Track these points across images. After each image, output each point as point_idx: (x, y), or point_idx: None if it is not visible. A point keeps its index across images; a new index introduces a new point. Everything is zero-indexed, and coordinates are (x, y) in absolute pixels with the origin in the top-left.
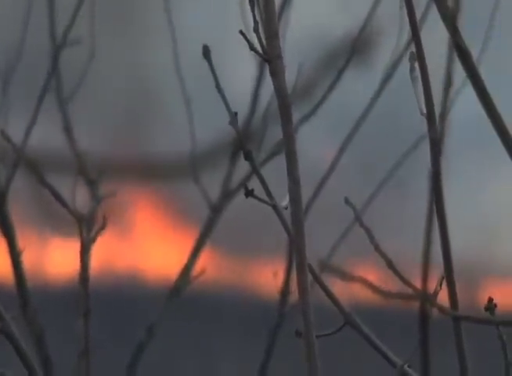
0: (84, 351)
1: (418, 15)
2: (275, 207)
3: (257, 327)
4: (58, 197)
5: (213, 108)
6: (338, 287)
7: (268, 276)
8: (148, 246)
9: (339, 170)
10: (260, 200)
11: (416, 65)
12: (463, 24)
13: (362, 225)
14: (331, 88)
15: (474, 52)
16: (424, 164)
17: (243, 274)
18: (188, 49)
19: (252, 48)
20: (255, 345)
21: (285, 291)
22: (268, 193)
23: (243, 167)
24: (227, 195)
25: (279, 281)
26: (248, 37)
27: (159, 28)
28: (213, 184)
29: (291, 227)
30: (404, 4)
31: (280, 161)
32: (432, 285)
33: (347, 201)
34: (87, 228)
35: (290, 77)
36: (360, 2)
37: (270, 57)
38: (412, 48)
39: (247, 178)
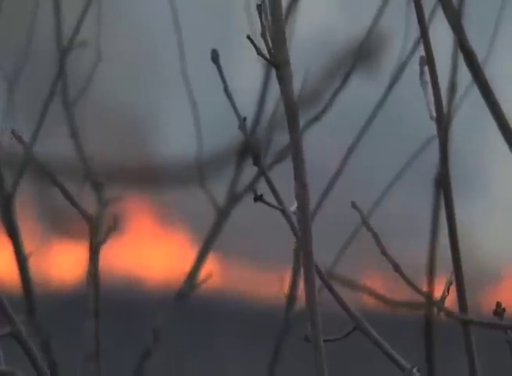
0: (93, 354)
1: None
2: (283, 211)
3: (262, 332)
4: (69, 196)
5: (219, 112)
6: (346, 292)
7: (274, 281)
8: (153, 250)
9: (345, 174)
10: (269, 204)
11: (426, 69)
12: (469, 26)
13: (368, 228)
14: (337, 92)
15: (480, 55)
16: (431, 168)
17: (249, 279)
18: (194, 53)
19: (259, 53)
20: (261, 350)
21: (291, 296)
22: (277, 198)
23: (249, 171)
24: (233, 200)
25: (285, 286)
26: (255, 43)
27: (165, 31)
28: (219, 188)
29: (299, 231)
30: (410, 8)
31: (288, 166)
32: (439, 290)
33: (353, 205)
34: (96, 230)
35: (295, 82)
36: (364, 6)
37: (278, 63)
38: (421, 52)
39: (254, 182)
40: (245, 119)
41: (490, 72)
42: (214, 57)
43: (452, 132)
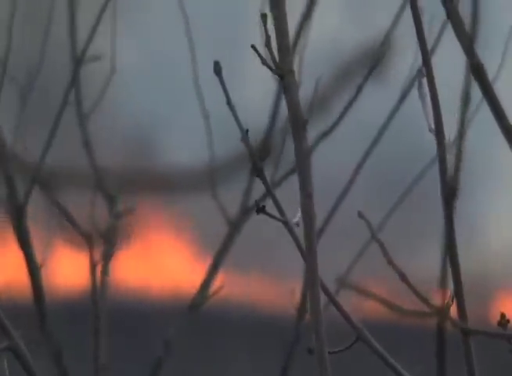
0: (104, 366)
1: (432, 32)
2: (286, 223)
3: (272, 344)
4: (68, 215)
5: (231, 122)
6: (351, 304)
7: (284, 294)
8: (165, 262)
9: (355, 187)
10: (271, 216)
11: (425, 81)
12: (480, 42)
13: (376, 239)
14: (350, 105)
15: (491, 71)
16: (437, 183)
17: (259, 291)
18: (206, 61)
19: (264, 62)
20: (271, 362)
21: (301, 309)
22: (280, 210)
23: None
24: (246, 212)
25: (295, 298)
26: (260, 52)
27: (176, 39)
28: (232, 199)
29: (304, 243)
30: (423, 19)
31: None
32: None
33: (360, 215)
34: (106, 243)
35: (305, 91)
36: (375, 16)
37: (282, 72)
38: (422, 65)
39: (266, 194)
40: (247, 131)
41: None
42: (217, 69)
43: (464, 148)
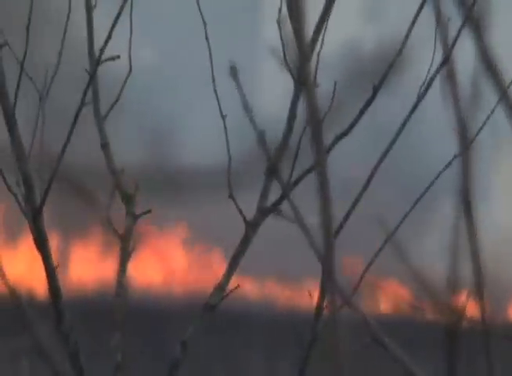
0: (121, 365)
1: (451, 34)
2: (302, 226)
3: (290, 344)
4: (102, 217)
5: (248, 124)
6: (366, 305)
7: (302, 294)
8: (182, 262)
9: (372, 189)
10: (287, 219)
11: (448, 82)
12: (495, 41)
13: (391, 241)
14: (366, 107)
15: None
16: (452, 183)
17: (277, 291)
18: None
19: (283, 68)
20: (288, 362)
21: (319, 309)
22: (296, 212)
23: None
24: (263, 213)
25: (314, 300)
26: (281, 58)
27: (192, 40)
28: (248, 201)
29: (322, 245)
30: (437, 23)
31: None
32: (460, 299)
33: (378, 217)
34: (123, 243)
35: (322, 93)
36: (391, 20)
37: (301, 78)
38: (445, 67)
39: (282, 196)
40: (263, 133)
41: None
42: (233, 73)
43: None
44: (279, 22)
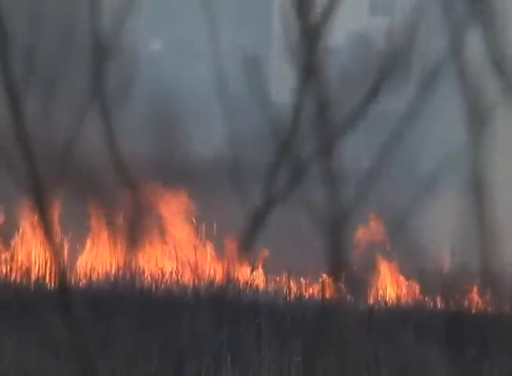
0: (131, 356)
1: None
2: (312, 214)
3: (299, 333)
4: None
5: (257, 114)
6: (376, 291)
7: (310, 285)
8: (188, 253)
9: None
10: (293, 205)
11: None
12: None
13: (403, 227)
14: (373, 97)
15: None
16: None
17: (286, 283)
18: (230, 54)
19: (294, 59)
20: (297, 350)
21: (328, 300)
22: (304, 200)
23: (285, 175)
24: (269, 203)
25: (323, 290)
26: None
27: (201, 28)
28: (255, 190)
29: (327, 232)
30: (444, 18)
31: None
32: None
33: (387, 206)
34: (130, 234)
35: (330, 85)
36: (397, 13)
37: (312, 68)
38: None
39: (290, 186)
40: (277, 124)
41: None
42: (250, 65)
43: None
44: (288, 12)
